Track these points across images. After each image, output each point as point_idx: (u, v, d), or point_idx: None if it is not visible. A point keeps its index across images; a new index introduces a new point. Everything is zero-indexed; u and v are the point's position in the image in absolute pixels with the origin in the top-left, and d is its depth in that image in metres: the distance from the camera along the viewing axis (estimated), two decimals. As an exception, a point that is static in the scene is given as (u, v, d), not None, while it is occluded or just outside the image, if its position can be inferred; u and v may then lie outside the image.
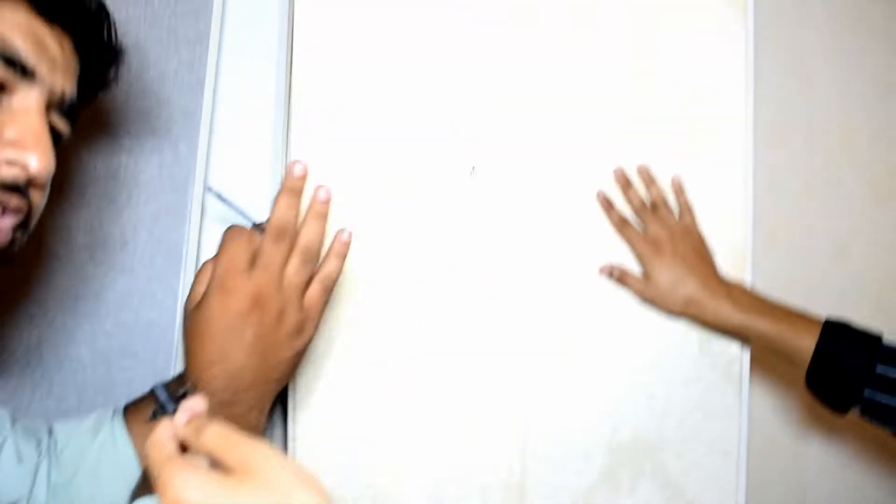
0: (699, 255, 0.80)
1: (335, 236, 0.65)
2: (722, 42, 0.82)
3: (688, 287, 0.78)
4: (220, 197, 0.73)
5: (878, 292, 1.13)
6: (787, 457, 1.09)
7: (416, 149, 0.77)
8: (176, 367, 0.83)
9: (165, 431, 0.43)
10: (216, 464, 0.41)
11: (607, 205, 0.82)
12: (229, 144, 0.90)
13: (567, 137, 0.79)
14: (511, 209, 0.78)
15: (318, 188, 0.62)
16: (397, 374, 0.76)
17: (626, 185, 0.82)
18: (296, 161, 0.61)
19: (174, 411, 0.45)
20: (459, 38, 0.78)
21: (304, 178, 0.62)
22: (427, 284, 0.77)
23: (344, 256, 0.65)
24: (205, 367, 0.61)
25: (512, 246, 0.78)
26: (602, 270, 0.82)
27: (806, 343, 0.74)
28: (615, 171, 0.81)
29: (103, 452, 0.66)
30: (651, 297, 0.80)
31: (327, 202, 0.62)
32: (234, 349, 0.60)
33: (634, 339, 0.81)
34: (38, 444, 0.65)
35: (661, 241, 0.80)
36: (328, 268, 0.65)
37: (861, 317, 1.10)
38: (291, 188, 0.61)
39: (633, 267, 0.82)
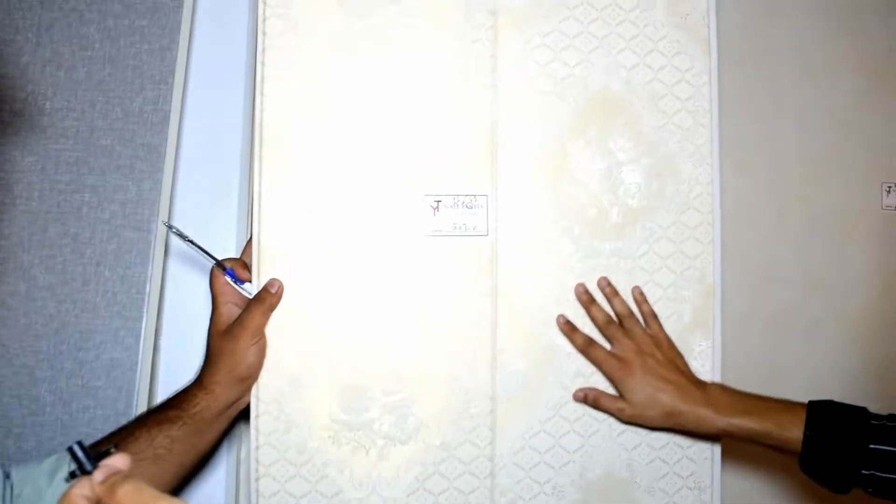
0: (670, 364, 0.79)
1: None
2: (685, 72, 0.83)
3: (664, 399, 0.77)
4: (179, 234, 0.73)
5: (853, 322, 1.13)
6: (763, 491, 1.08)
7: (378, 190, 0.77)
8: (138, 407, 0.82)
9: (80, 490, 0.43)
10: None
11: (569, 329, 0.81)
12: (193, 182, 0.90)
13: (530, 167, 0.80)
14: (482, 252, 0.78)
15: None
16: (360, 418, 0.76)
17: (588, 302, 0.82)
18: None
19: (93, 470, 0.44)
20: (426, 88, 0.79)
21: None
22: (390, 335, 0.77)
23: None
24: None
25: (486, 288, 0.78)
26: (576, 397, 0.81)
27: (794, 434, 0.74)
28: (576, 289, 0.81)
29: (59, 494, 0.65)
30: (630, 417, 0.79)
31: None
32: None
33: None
34: (-4, 486, 0.64)
35: (629, 358, 0.79)
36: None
37: (834, 347, 1.12)
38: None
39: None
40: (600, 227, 0.82)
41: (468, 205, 0.80)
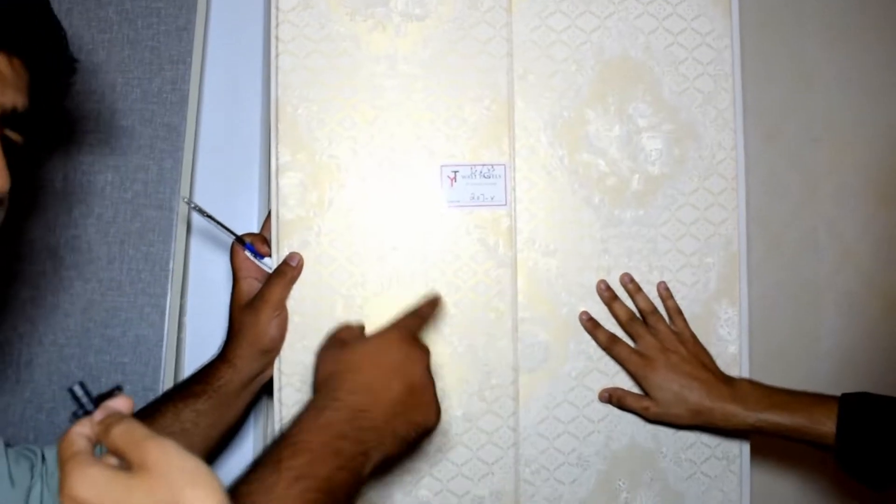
0: (696, 361, 0.79)
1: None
2: (706, 35, 0.83)
3: (691, 397, 0.76)
4: (200, 211, 0.75)
5: (887, 293, 1.12)
6: (793, 455, 1.08)
7: (394, 162, 0.78)
8: (165, 382, 0.84)
9: (80, 428, 0.44)
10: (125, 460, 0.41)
11: (592, 325, 0.81)
12: (214, 160, 0.92)
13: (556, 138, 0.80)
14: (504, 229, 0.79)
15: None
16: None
17: (610, 298, 0.82)
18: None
19: (94, 410, 0.45)
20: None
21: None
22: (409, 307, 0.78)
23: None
24: (351, 392, 0.60)
25: (505, 259, 0.79)
26: (600, 397, 0.81)
27: (827, 428, 0.72)
28: (598, 286, 0.81)
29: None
30: (655, 415, 0.79)
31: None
32: (387, 385, 0.61)
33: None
34: (31, 467, 0.66)
35: (653, 356, 0.79)
36: None
37: (868, 319, 1.10)
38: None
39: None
40: (621, 194, 0.82)
41: (486, 175, 0.80)
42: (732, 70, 0.85)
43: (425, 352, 0.65)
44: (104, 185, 0.86)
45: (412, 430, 0.62)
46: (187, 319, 0.90)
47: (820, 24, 1.11)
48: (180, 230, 0.86)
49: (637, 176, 0.82)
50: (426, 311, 0.71)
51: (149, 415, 0.71)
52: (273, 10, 0.79)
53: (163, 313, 0.85)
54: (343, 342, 0.66)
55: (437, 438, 0.79)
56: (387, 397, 0.61)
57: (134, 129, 0.87)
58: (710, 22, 0.84)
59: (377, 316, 0.78)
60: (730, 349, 0.83)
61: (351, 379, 0.61)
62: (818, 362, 1.09)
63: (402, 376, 0.62)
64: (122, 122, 0.87)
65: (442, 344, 0.79)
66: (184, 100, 0.87)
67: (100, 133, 0.87)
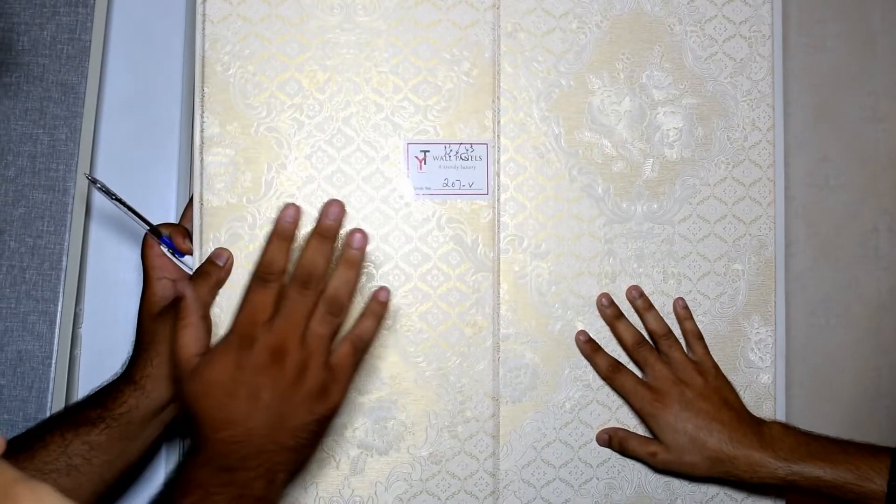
0: (717, 396, 0.81)
1: (372, 294, 0.71)
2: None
3: (709, 441, 0.78)
4: (105, 191, 0.77)
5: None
6: None
7: (350, 138, 0.82)
8: (53, 410, 0.87)
9: None
10: None
11: (591, 349, 0.84)
12: (122, 130, 0.94)
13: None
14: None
15: (351, 232, 0.67)
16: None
17: (613, 317, 0.84)
18: (331, 201, 0.67)
19: None
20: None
21: (339, 221, 0.67)
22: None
23: (381, 317, 0.71)
24: (214, 429, 0.65)
25: (486, 261, 0.82)
26: (599, 440, 0.85)
27: (877, 486, 0.74)
28: (598, 301, 0.85)
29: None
30: (664, 463, 0.81)
31: (362, 249, 0.67)
32: (247, 409, 0.65)
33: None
34: None
35: (665, 389, 0.81)
36: (361, 327, 0.70)
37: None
38: (323, 231, 0.67)
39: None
40: (630, 183, 0.86)
41: (463, 156, 0.84)
42: (772, 31, 0.89)
43: (275, 336, 0.66)
44: (-21, 158, 0.88)
45: (304, 433, 0.67)
46: (83, 331, 0.92)
47: None
48: (77, 218, 0.88)
49: (651, 161, 0.87)
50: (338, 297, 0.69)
51: (28, 447, 0.73)
52: (200, -56, 0.83)
53: (52, 323, 0.87)
54: (183, 370, 0.69)
55: (397, 485, 0.82)
56: (252, 423, 0.65)
57: (18, 88, 0.89)
58: (746, -29, 0.89)
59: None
60: (761, 378, 0.88)
61: (208, 416, 0.66)
62: (876, 402, 1.14)
63: (254, 392, 0.65)
64: (2, 79, 0.89)
65: (404, 366, 0.83)
66: (84, 52, 0.88)
67: (-26, 93, 0.89)
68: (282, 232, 0.67)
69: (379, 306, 0.71)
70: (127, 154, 0.93)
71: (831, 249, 1.14)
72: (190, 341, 0.69)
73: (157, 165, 0.92)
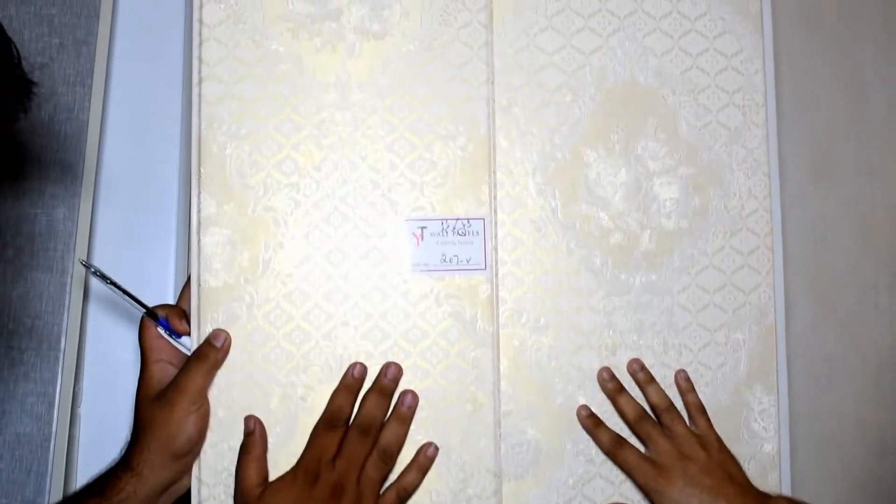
0: (721, 471, 0.81)
1: (420, 449, 0.82)
2: (732, 57, 0.88)
3: None
4: (101, 276, 0.77)
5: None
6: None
7: (347, 215, 0.82)
8: (52, 494, 0.86)
9: None
10: None
11: (593, 423, 0.85)
12: (119, 211, 0.95)
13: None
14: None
15: (404, 392, 0.81)
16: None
17: (615, 391, 0.85)
18: (390, 364, 0.81)
19: None
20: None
21: (396, 380, 0.81)
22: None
23: (426, 470, 0.82)
24: None
25: (485, 336, 0.82)
26: None
27: None
28: (599, 376, 0.85)
29: None
30: None
31: (412, 408, 0.81)
32: None
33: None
34: None
35: (668, 464, 0.81)
36: (407, 479, 0.81)
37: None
38: (382, 389, 0.80)
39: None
40: (628, 255, 0.86)
41: (460, 231, 0.84)
42: (766, 100, 0.90)
43: (337, 475, 0.77)
44: (-22, 240, 0.88)
45: None
46: (81, 411, 0.92)
47: (880, 29, 1.17)
48: (75, 299, 0.88)
49: (648, 232, 0.87)
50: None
51: None
52: (196, 25, 0.83)
53: (51, 404, 0.87)
54: (248, 498, 0.77)
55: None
56: None
57: (17, 166, 0.90)
58: (738, 40, 0.90)
59: (324, 408, 0.81)
60: (765, 448, 0.87)
61: None
62: (881, 460, 1.13)
63: None
64: (1, 160, 0.89)
65: (405, 444, 0.82)
66: (82, 132, 0.89)
67: (-27, 175, 0.89)
68: (349, 386, 0.80)
69: (426, 460, 0.81)
70: (125, 233, 0.93)
71: (831, 307, 1.14)
72: (254, 473, 0.77)
73: (155, 244, 0.92)
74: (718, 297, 0.87)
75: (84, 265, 0.78)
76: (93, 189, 0.91)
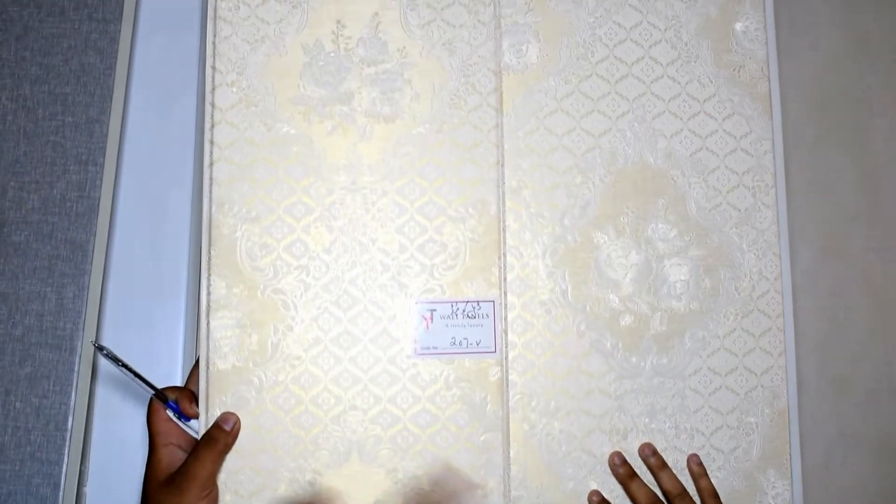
0: None
1: None
2: (741, 139, 0.88)
3: None
4: (110, 357, 0.77)
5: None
6: None
7: (356, 298, 0.82)
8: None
9: None
10: None
11: None
12: (129, 290, 0.95)
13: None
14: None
15: None
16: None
17: (626, 476, 0.84)
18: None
19: None
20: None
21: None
22: (374, 484, 0.81)
23: None
24: None
25: (495, 421, 0.82)
26: None
27: None
28: (610, 461, 0.85)
29: None
30: None
31: None
32: None
33: None
34: None
35: None
36: None
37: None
38: None
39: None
40: (639, 337, 0.86)
41: (470, 314, 0.84)
42: (776, 181, 0.90)
43: None
44: (-13, 319, 0.88)
45: None
46: (88, 490, 0.91)
47: (889, 107, 1.17)
48: (83, 378, 0.88)
49: (659, 314, 0.87)
50: None
51: None
52: (207, 108, 0.84)
53: (57, 486, 0.86)
54: None
55: None
56: None
57: (28, 246, 0.90)
58: (747, 122, 0.90)
59: (334, 493, 0.80)
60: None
61: None
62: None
63: None
64: (12, 238, 0.90)
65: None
66: (93, 210, 0.90)
67: (-16, 254, 0.90)
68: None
69: None
70: (134, 314, 0.93)
71: (845, 385, 1.13)
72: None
73: (164, 326, 0.92)
74: (730, 379, 0.87)
75: (96, 347, 0.78)
76: (103, 268, 0.91)
